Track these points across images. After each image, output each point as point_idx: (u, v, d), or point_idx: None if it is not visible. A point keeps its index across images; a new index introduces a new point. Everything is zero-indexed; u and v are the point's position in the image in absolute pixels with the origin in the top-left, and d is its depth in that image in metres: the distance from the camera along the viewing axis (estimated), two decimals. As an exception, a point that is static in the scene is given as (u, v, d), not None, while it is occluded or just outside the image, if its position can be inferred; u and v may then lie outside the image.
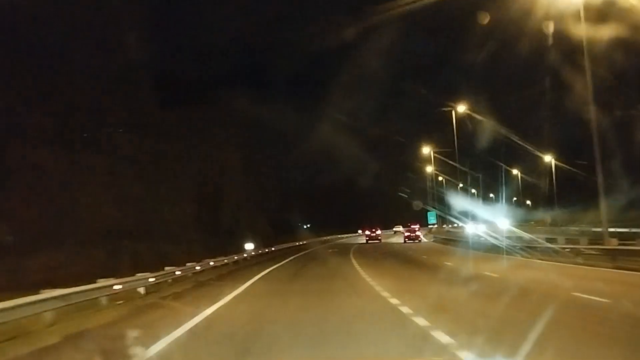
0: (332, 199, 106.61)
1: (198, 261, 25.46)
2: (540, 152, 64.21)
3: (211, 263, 26.48)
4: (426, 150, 65.48)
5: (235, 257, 31.61)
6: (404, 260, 28.97)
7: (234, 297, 15.38)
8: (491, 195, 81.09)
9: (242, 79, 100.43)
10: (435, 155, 64.79)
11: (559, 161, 65.41)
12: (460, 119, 49.41)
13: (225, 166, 51.38)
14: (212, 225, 45.60)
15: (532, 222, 72.09)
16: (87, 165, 36.83)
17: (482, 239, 37.25)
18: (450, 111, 49.46)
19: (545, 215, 69.75)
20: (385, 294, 14.24)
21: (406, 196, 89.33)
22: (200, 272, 23.80)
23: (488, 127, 47.38)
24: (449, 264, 25.26)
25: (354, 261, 29.20)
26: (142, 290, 17.59)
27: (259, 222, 57.41)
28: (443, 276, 19.76)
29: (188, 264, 23.31)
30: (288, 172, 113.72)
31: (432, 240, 60.76)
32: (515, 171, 78.15)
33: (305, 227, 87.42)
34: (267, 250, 41.10)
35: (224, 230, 46.53)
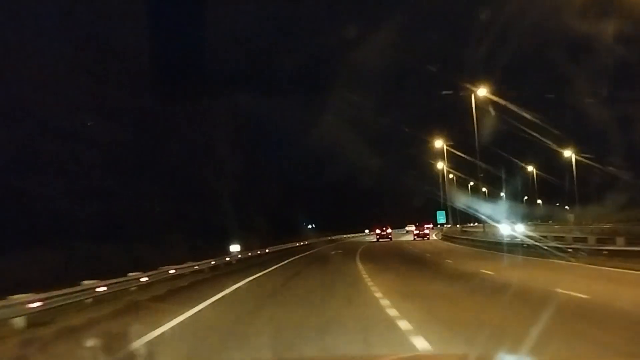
0: (337, 197, 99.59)
1: (154, 268, 18.53)
2: (557, 146, 56.90)
3: (171, 271, 19.39)
4: (435, 147, 58.21)
5: (213, 262, 24.49)
6: (424, 266, 21.80)
7: (149, 343, 8.29)
8: (502, 193, 73.28)
9: (243, 74, 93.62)
10: (448, 148, 57.38)
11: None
12: (465, 113, 42.86)
13: (217, 159, 44.34)
14: (199, 224, 38.57)
15: (550, 222, 64.96)
16: (43, 151, 30.05)
17: (516, 239, 29.95)
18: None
19: (568, 213, 62.22)
20: (420, 342, 7.13)
21: (414, 194, 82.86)
22: (148, 285, 16.70)
23: (497, 118, 40.59)
24: (487, 272, 17.96)
25: (360, 267, 22.09)
26: (20, 321, 10.57)
27: (256, 221, 50.28)
28: (494, 294, 12.62)
29: (131, 274, 16.25)
30: (291, 169, 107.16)
31: (441, 238, 54.76)
32: (530, 167, 70.56)
33: (309, 226, 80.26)
34: (259, 252, 33.95)
35: (213, 230, 39.39)
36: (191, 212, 38.15)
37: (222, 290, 15.59)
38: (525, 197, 79.24)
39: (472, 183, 72.87)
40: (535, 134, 44.17)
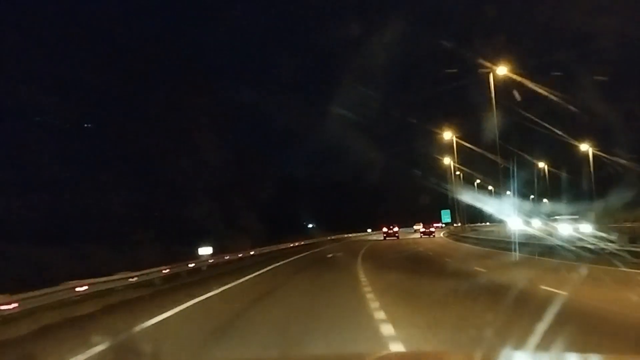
0: (340, 195, 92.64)
1: (57, 283, 11.93)
2: (572, 140, 50.48)
3: (81, 289, 12.69)
4: (442, 142, 51.95)
5: (168, 271, 17.79)
6: (452, 280, 14.93)
7: None
8: (508, 191, 66.09)
9: (245, 67, 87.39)
10: (458, 141, 50.54)
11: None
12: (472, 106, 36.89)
13: (200, 150, 37.49)
14: (174, 223, 31.82)
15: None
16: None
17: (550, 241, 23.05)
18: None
19: (588, 210, 55.21)
20: None
21: (419, 193, 76.34)
22: (15, 316, 9.99)
23: (505, 109, 34.73)
24: (554, 290, 11.12)
25: (362, 278, 15.38)
26: None
27: (247, 220, 43.52)
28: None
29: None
30: (293, 166, 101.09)
31: (451, 238, 48.01)
32: (541, 163, 63.54)
33: (310, 226, 73.34)
34: (241, 255, 27.17)
35: (191, 229, 32.55)
36: (165, 209, 31.48)
37: (131, 327, 8.88)
38: (532, 196, 72.40)
39: (478, 180, 66.74)
40: (546, 124, 38.37)
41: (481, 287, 12.60)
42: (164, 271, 17.36)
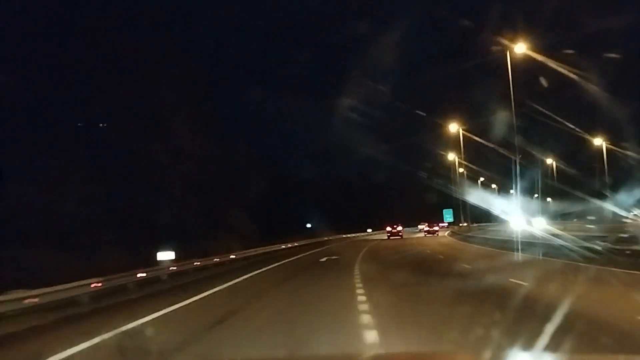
0: (339, 195, 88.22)
1: None
2: (584, 134, 46.63)
3: None
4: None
5: (100, 284, 13.17)
6: (477, 287, 10.37)
7: None
8: (511, 190, 62.02)
9: (250, 64, 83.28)
10: (465, 134, 46.15)
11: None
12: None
13: (178, 141, 32.84)
14: (145, 222, 27.23)
15: (575, 220, 53.80)
16: None
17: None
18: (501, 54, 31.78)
19: (605, 209, 50.76)
20: None
21: (423, 192, 72.45)
22: None
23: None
24: None
25: (360, 297, 10.88)
26: None
27: (236, 218, 39.07)
28: None
29: None
30: (292, 165, 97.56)
31: (457, 238, 44.09)
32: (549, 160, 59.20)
33: (307, 226, 68.96)
34: (217, 259, 22.60)
35: (166, 228, 27.95)
36: (133, 205, 26.90)
37: None
38: (536, 195, 68.07)
39: (482, 179, 62.88)
40: (555, 116, 34.49)
41: (542, 318, 7.91)
42: (93, 285, 12.71)
